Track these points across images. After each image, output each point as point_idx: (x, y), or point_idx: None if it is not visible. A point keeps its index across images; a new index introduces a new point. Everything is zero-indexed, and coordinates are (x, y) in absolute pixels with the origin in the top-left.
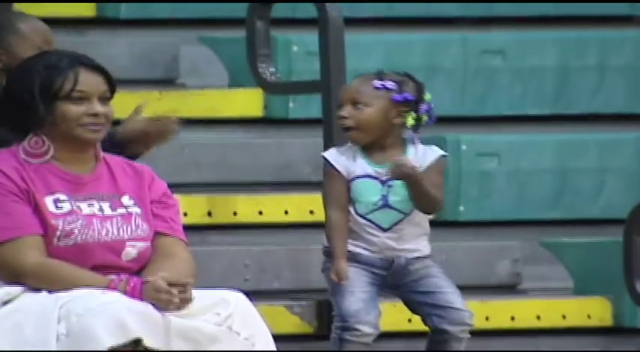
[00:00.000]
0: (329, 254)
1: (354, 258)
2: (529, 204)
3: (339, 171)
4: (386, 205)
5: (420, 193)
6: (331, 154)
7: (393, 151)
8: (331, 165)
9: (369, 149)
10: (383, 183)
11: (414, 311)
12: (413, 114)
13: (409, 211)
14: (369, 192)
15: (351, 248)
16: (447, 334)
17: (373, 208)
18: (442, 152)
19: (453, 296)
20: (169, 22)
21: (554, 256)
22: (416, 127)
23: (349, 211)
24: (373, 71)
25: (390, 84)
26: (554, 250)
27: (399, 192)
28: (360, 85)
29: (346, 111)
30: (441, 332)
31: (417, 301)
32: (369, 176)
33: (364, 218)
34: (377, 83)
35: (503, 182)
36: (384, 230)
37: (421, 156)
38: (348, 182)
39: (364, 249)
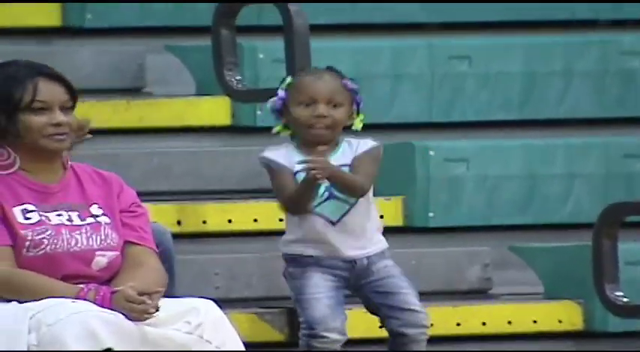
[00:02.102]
0: (289, 260)
1: (317, 263)
2: (498, 210)
3: (282, 164)
4: (331, 196)
5: (341, 185)
6: (270, 153)
7: (327, 148)
8: (274, 161)
9: (304, 145)
10: None
11: (372, 312)
12: (361, 115)
13: (354, 200)
14: None
15: (312, 252)
16: (406, 337)
17: (320, 200)
18: (376, 143)
19: (411, 298)
20: (135, 31)
21: (524, 261)
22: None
23: None
24: (322, 67)
25: (355, 85)
26: (524, 255)
27: None
28: (334, 84)
29: (325, 109)
30: (400, 336)
31: (376, 302)
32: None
33: (314, 213)
34: (348, 84)
35: (472, 188)
36: (334, 223)
37: (355, 147)
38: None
39: (324, 251)
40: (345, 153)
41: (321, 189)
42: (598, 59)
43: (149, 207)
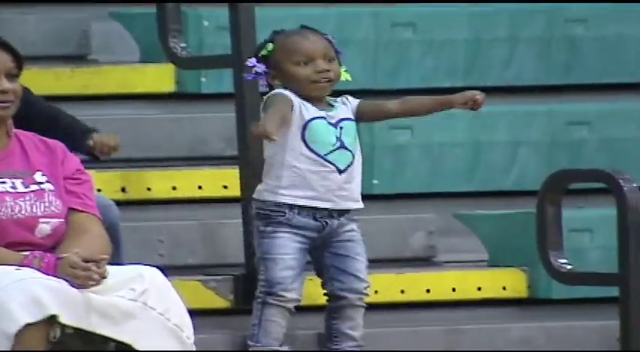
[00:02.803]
0: (261, 216)
1: (288, 222)
2: (443, 177)
3: (291, 100)
4: (342, 146)
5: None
6: (285, 91)
7: (323, 103)
8: (287, 95)
9: (308, 100)
10: (334, 125)
11: (319, 272)
12: (344, 67)
13: (357, 153)
14: (325, 133)
15: (302, 202)
16: (344, 300)
17: (331, 149)
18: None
19: (361, 266)
20: None
21: (469, 228)
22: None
23: (304, 158)
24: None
25: (333, 40)
26: (469, 222)
27: (350, 133)
28: (323, 40)
29: (326, 64)
30: (338, 299)
31: (328, 263)
32: (322, 118)
33: (324, 159)
34: (331, 38)
35: (417, 155)
36: (340, 172)
37: (348, 103)
38: (302, 124)
39: (317, 200)
40: (343, 109)
41: (333, 139)
42: (543, 26)
43: (93, 174)
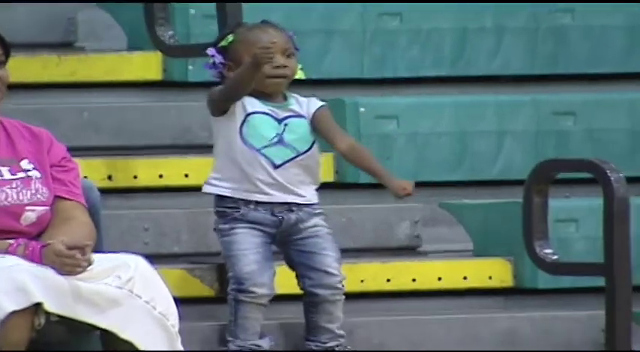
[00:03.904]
0: (219, 214)
1: (243, 218)
2: (429, 166)
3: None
4: (280, 142)
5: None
6: None
7: (278, 99)
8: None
9: (258, 95)
10: (279, 121)
11: (292, 269)
12: (300, 65)
13: (304, 151)
14: (263, 127)
15: (239, 194)
16: (318, 297)
17: (267, 144)
18: (320, 102)
19: (329, 260)
20: None
21: (454, 218)
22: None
23: (240, 151)
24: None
25: (293, 36)
26: (454, 212)
27: (296, 131)
28: (283, 35)
29: (284, 60)
30: (312, 295)
31: (296, 260)
32: (264, 113)
33: (259, 152)
34: (292, 35)
35: (403, 144)
36: (276, 166)
37: (305, 105)
38: (242, 117)
39: (255, 193)
40: (296, 107)
41: (272, 134)
42: (529, 16)
43: (80, 162)
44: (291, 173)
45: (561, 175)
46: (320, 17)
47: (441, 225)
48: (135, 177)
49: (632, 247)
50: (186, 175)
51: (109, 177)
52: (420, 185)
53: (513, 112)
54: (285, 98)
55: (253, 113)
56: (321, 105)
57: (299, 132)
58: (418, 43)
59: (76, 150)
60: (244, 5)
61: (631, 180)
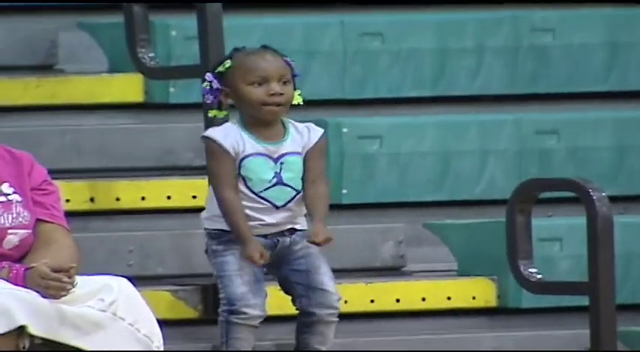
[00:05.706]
0: (212, 236)
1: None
2: (412, 187)
3: (227, 151)
4: (279, 182)
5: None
6: (217, 133)
7: (276, 129)
8: (219, 144)
9: (253, 127)
10: (274, 160)
11: (286, 291)
12: (298, 90)
13: (301, 188)
14: (261, 170)
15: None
16: (315, 316)
17: (267, 186)
18: (321, 130)
19: (325, 278)
20: (47, 9)
21: (438, 238)
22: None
23: (241, 193)
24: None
25: (292, 62)
26: (438, 232)
27: (292, 169)
28: (280, 62)
29: (279, 87)
30: (308, 315)
31: (292, 280)
32: (260, 154)
33: (259, 196)
34: (290, 61)
35: (385, 164)
36: (277, 207)
37: (306, 136)
38: (237, 161)
39: (254, 229)
40: (295, 140)
41: (270, 175)
42: (510, 35)
43: (62, 184)
44: (290, 210)
45: (545, 194)
46: (300, 37)
47: (425, 245)
48: (117, 199)
49: (616, 266)
50: (169, 197)
51: (92, 200)
52: (403, 205)
53: (496, 132)
54: (284, 126)
55: (248, 156)
56: (321, 138)
57: (295, 170)
58: (399, 63)
59: (58, 173)
60: (225, 26)
61: (614, 198)
